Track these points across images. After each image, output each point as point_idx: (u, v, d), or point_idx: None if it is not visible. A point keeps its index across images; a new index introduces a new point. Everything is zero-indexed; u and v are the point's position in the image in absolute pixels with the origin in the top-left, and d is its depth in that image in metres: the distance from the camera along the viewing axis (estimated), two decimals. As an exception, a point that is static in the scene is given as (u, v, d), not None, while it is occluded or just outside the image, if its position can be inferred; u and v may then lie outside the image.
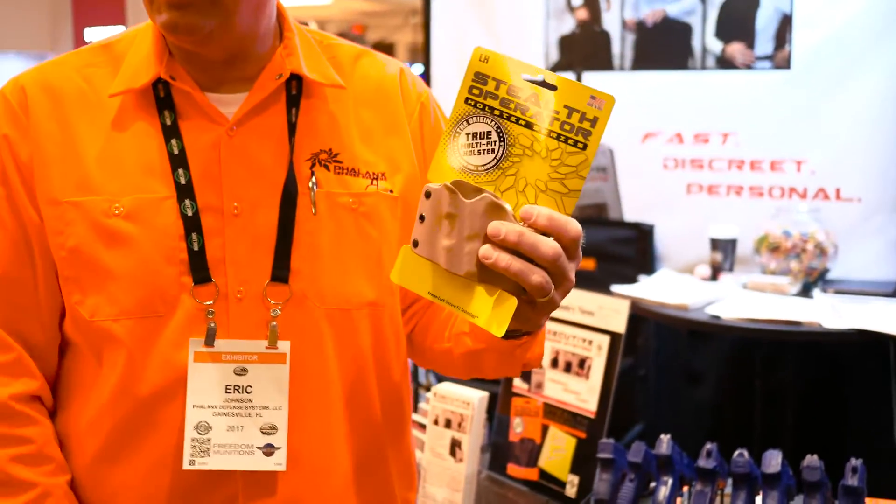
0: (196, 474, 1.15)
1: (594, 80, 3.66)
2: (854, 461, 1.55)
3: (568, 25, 3.70)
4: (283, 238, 1.18)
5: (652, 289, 3.12)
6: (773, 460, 1.59)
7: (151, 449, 1.16)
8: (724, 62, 3.42)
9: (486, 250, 0.94)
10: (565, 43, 3.72)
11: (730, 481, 1.77)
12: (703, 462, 1.64)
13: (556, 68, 3.74)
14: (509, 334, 1.07)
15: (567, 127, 0.95)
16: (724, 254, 3.29)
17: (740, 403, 3.31)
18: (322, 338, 1.20)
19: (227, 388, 1.14)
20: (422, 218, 0.99)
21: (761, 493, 1.60)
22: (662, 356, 3.53)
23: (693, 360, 3.60)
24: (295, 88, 1.23)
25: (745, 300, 2.93)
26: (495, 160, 0.97)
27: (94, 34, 8.89)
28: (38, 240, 1.17)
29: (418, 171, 1.29)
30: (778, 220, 3.20)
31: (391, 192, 1.25)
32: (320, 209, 1.20)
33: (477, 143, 0.97)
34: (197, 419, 1.13)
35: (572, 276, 0.98)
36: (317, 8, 12.48)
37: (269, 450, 1.14)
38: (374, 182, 1.24)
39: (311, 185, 1.20)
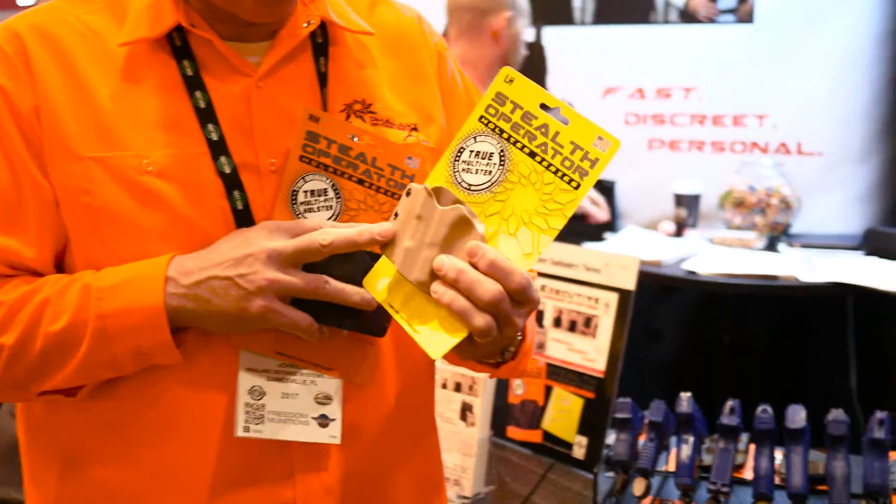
0: (250, 446, 1.06)
1: (554, 34, 3.61)
2: (880, 414, 1.54)
3: (526, -21, 3.63)
4: None
5: (621, 246, 3.10)
6: (797, 416, 1.58)
7: (199, 418, 1.07)
8: (687, 16, 3.40)
9: (435, 285, 0.92)
10: (525, -4, 3.64)
11: (744, 437, 1.76)
12: (725, 419, 1.62)
13: (513, 23, 3.67)
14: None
15: (567, 164, 0.93)
16: (688, 209, 3.29)
17: (706, 357, 3.33)
18: None
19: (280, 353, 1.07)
20: (395, 215, 0.96)
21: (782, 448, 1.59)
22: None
23: (656, 317, 3.60)
24: (320, 36, 1.15)
25: (718, 255, 2.92)
26: (489, 183, 0.95)
27: None
28: (34, 195, 1.05)
29: (446, 123, 1.21)
30: (742, 174, 3.20)
31: (427, 143, 1.18)
32: None
33: (476, 162, 0.96)
34: (250, 383, 1.05)
35: (519, 321, 0.94)
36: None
37: (323, 421, 1.07)
38: (411, 133, 1.17)
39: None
